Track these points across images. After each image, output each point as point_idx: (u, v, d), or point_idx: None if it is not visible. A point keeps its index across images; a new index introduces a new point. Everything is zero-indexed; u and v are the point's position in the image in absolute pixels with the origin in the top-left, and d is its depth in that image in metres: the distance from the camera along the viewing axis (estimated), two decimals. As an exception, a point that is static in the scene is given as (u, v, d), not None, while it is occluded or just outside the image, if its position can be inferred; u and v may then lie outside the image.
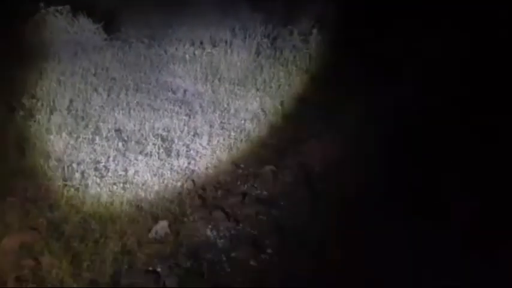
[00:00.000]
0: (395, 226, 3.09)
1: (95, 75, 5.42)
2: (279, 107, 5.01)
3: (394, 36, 5.85)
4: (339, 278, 2.70)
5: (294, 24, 6.77)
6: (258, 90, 5.37)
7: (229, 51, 6.14)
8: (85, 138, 4.05)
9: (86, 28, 6.41)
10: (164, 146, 4.06)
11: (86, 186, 3.47)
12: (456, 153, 3.93)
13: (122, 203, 3.30)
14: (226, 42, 6.40)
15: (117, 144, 4.01)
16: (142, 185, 3.53)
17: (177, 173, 3.73)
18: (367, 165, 3.92)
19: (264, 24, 6.76)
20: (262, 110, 4.93)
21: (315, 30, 6.22)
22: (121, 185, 3.49)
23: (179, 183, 3.60)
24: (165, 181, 3.60)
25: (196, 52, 6.32)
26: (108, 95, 5.03)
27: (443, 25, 5.63)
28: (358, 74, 5.51)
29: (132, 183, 3.53)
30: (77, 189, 3.41)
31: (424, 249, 2.93)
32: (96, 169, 3.66)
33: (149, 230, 3.07)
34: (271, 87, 5.48)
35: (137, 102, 4.93)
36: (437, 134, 4.19)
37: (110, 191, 3.42)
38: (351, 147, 4.32)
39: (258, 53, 6.15)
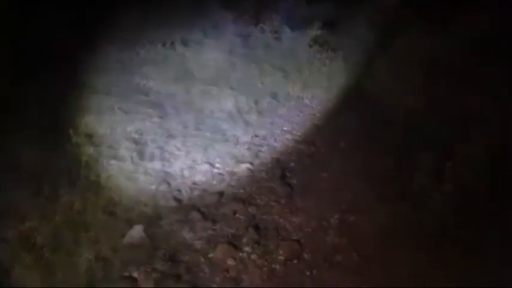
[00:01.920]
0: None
1: (63, 80, 5.27)
2: (253, 105, 4.99)
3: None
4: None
5: (266, 22, 6.76)
6: (231, 89, 5.34)
7: (200, 51, 6.10)
8: (55, 146, 3.93)
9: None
10: (137, 149, 3.99)
11: (57, 195, 3.37)
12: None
13: (95, 209, 3.22)
14: (198, 42, 6.35)
15: (89, 150, 3.92)
16: (116, 190, 3.46)
17: (151, 176, 3.67)
18: (340, 160, 3.95)
19: (236, 23, 6.72)
20: (237, 108, 4.91)
21: (285, 28, 6.22)
22: (93, 191, 3.40)
23: (154, 186, 3.54)
24: (139, 185, 3.54)
25: (168, 53, 6.24)
26: (78, 100, 4.91)
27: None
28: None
29: (105, 188, 3.45)
30: (48, 199, 3.31)
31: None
32: (67, 177, 3.56)
33: (124, 236, 3.00)
34: (245, 85, 5.46)
35: (108, 106, 4.82)
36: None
37: (82, 198, 3.33)
38: (325, 141, 4.36)
39: (230, 52, 6.11)
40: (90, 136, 4.18)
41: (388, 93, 4.36)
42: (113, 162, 3.77)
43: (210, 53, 6.10)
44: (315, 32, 6.21)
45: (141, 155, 3.92)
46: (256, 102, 5.06)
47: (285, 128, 4.65)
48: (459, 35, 4.28)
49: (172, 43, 6.63)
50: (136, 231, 3.02)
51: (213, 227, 3.13)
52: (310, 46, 6.08)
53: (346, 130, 4.53)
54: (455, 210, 2.78)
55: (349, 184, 3.64)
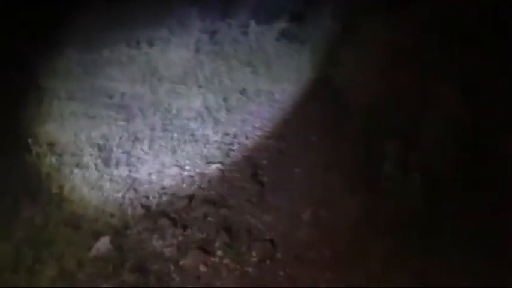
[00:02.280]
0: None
1: (21, 86, 5.04)
2: (222, 102, 4.89)
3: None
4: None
5: (233, 16, 6.64)
6: (200, 87, 5.21)
7: (167, 49, 5.94)
8: (13, 157, 3.74)
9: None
10: (102, 155, 3.84)
11: (17, 210, 3.20)
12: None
13: (57, 224, 3.07)
14: (164, 40, 6.18)
15: (50, 160, 3.74)
16: (80, 201, 3.31)
17: (118, 183, 3.53)
18: (310, 153, 3.91)
19: (203, 19, 6.58)
20: (206, 107, 4.80)
21: (252, 22, 6.11)
22: (55, 204, 3.24)
23: (120, 194, 3.41)
24: (105, 193, 3.40)
25: (132, 53, 6.05)
26: (38, 107, 4.70)
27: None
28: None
29: (67, 200, 3.30)
30: (7, 215, 3.14)
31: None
32: (27, 191, 3.38)
33: (90, 249, 2.87)
34: (213, 83, 5.34)
35: (71, 112, 4.64)
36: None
37: (43, 212, 3.17)
38: (296, 135, 4.31)
39: (197, 49, 5.97)
40: (51, 145, 4.00)
41: (354, 84, 4.34)
42: (76, 171, 3.62)
43: (177, 51, 5.95)
44: (282, 25, 6.13)
45: (106, 161, 3.77)
46: (225, 100, 4.95)
47: (255, 125, 4.56)
48: (418, 19, 4.30)
49: (137, 42, 6.44)
50: (103, 243, 2.90)
51: (184, 233, 3.04)
52: (278, 40, 6.00)
53: (316, 123, 4.47)
54: (423, 199, 2.77)
55: (319, 177, 3.59)
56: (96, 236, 2.98)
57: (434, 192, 2.80)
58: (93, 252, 2.85)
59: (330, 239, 2.91)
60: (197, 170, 3.74)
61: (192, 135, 4.25)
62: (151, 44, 6.22)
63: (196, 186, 3.53)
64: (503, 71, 3.61)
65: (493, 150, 3.03)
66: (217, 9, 6.89)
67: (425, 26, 4.17)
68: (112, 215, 3.18)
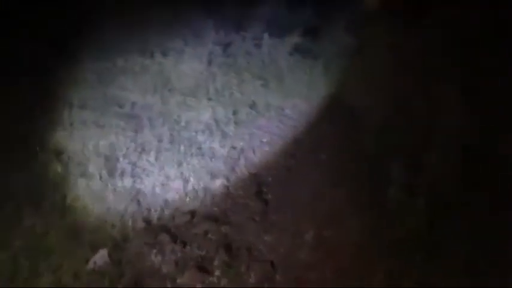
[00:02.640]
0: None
1: (35, 95, 5.11)
2: (232, 116, 4.86)
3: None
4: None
5: (247, 29, 6.64)
6: (210, 99, 5.20)
7: (180, 60, 5.95)
8: (21, 164, 3.77)
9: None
10: (108, 165, 3.83)
11: (20, 218, 3.20)
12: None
13: (58, 233, 3.05)
14: (177, 51, 6.21)
15: (56, 168, 3.75)
16: (82, 211, 3.29)
17: (121, 194, 3.51)
18: (318, 172, 3.83)
19: (216, 31, 6.59)
20: (215, 120, 4.77)
21: (266, 35, 6.10)
22: (57, 213, 3.23)
23: (122, 206, 3.38)
24: (107, 204, 3.38)
25: (145, 63, 6.09)
26: (50, 115, 4.75)
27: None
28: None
29: (70, 210, 3.29)
30: (9, 223, 3.14)
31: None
32: (31, 199, 3.39)
33: (87, 261, 2.84)
34: (223, 95, 5.32)
35: (81, 121, 4.67)
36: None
37: (45, 221, 3.16)
38: (305, 153, 4.24)
39: (210, 61, 5.98)
40: (59, 153, 4.02)
41: (363, 101, 4.27)
42: (80, 180, 3.61)
43: (190, 62, 5.96)
44: (296, 39, 6.10)
45: (111, 171, 3.76)
46: (234, 113, 4.92)
47: (264, 140, 4.51)
48: (432, 34, 4.23)
49: (151, 52, 6.49)
50: (101, 256, 2.86)
51: (183, 249, 2.98)
52: (291, 54, 5.96)
53: (326, 141, 4.40)
54: (429, 222, 2.67)
55: (326, 197, 3.51)
56: (95, 247, 2.95)
57: (439, 218, 2.70)
58: (91, 265, 2.82)
59: (332, 261, 2.82)
60: (201, 185, 3.69)
61: (199, 148, 4.22)
62: (164, 54, 6.25)
63: (199, 202, 3.48)
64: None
65: (497, 175, 2.92)
66: (232, 22, 6.91)
67: (437, 41, 4.09)
68: (113, 227, 3.16)
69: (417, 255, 2.64)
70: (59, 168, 3.74)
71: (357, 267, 2.74)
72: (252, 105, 5.14)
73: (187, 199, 3.52)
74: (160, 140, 4.29)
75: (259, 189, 3.67)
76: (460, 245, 2.54)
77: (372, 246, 2.84)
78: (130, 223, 3.20)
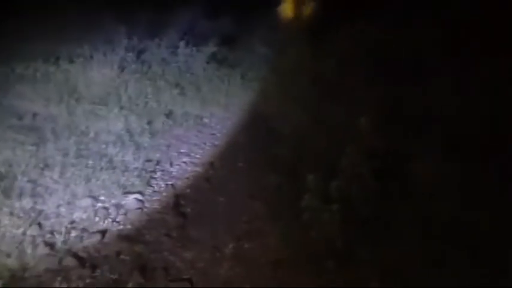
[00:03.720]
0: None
1: None
2: (146, 126, 4.65)
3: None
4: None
5: (161, 36, 6.46)
6: (122, 108, 4.94)
7: (88, 67, 5.59)
8: None
9: None
10: (3, 185, 3.40)
11: None
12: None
13: None
14: (85, 57, 5.82)
15: None
16: (-31, 239, 2.88)
17: (19, 217, 3.14)
18: (237, 181, 3.82)
19: (129, 37, 6.31)
20: (127, 130, 4.52)
21: (182, 43, 5.98)
22: None
23: (21, 230, 3.02)
24: (2, 230, 2.99)
25: (50, 69, 5.63)
26: None
27: None
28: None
29: (-46, 239, 2.85)
30: None
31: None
32: None
33: (-25, 298, 2.47)
34: (137, 104, 5.09)
35: (-30, 134, 4.13)
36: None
37: None
38: (224, 162, 4.20)
39: (122, 68, 5.70)
40: None
41: (280, 112, 4.37)
42: (-32, 203, 3.16)
43: (100, 69, 5.62)
44: (212, 48, 6.08)
45: (7, 192, 3.35)
46: (149, 123, 4.73)
47: (182, 150, 4.39)
48: (342, 46, 4.50)
49: (56, 58, 6.02)
50: (-7, 290, 2.51)
51: (92, 274, 2.73)
52: (208, 62, 5.93)
53: (243, 149, 4.43)
54: (342, 230, 2.78)
55: (245, 207, 3.50)
56: (-14, 281, 2.58)
57: (352, 223, 2.82)
58: (-20, 302, 2.45)
59: (250, 276, 2.79)
60: (113, 201, 3.45)
61: (110, 161, 3.95)
62: (71, 60, 5.83)
63: (110, 220, 3.25)
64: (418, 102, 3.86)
65: (405, 177, 3.15)
66: (146, 28, 6.69)
67: (346, 55, 4.36)
68: (8, 256, 2.79)
69: (330, 264, 2.71)
70: None
71: (274, 282, 2.74)
72: (169, 114, 4.99)
73: (97, 218, 3.27)
74: (65, 154, 3.94)
75: (176, 202, 3.54)
76: (371, 253, 2.67)
77: (289, 258, 2.86)
78: (29, 249, 2.86)
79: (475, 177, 2.99)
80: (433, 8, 5.30)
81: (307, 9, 7.45)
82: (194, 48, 6.04)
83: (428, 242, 2.73)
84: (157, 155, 4.22)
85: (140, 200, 3.51)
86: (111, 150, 4.11)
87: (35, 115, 4.66)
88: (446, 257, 2.65)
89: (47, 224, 3.13)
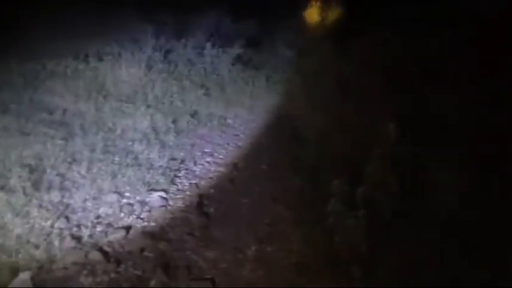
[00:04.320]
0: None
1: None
2: (172, 124, 4.70)
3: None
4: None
5: (188, 37, 6.52)
6: (148, 107, 5.01)
7: (117, 65, 5.69)
8: None
9: None
10: (33, 178, 3.49)
11: None
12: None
13: (-30, 255, 2.70)
14: (114, 55, 5.92)
15: (-29, 180, 3.35)
16: (1, 229, 2.95)
17: (47, 209, 3.20)
18: (260, 183, 3.81)
19: (156, 37, 6.40)
20: (153, 128, 4.58)
21: (208, 44, 6.02)
22: (-28, 232, 2.87)
23: (49, 222, 3.09)
24: (31, 221, 3.06)
25: (79, 67, 5.76)
26: (-35, 120, 4.27)
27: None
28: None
29: (-15, 228, 2.94)
30: None
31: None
32: None
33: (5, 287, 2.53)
34: (163, 103, 5.16)
35: (3, 127, 4.25)
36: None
37: (-45, 241, 2.79)
38: (247, 163, 4.20)
39: (149, 67, 5.78)
40: (-25, 163, 3.61)
41: (303, 114, 4.35)
42: (0, 194, 3.24)
43: (127, 67, 5.71)
44: (238, 49, 6.10)
45: (36, 184, 3.43)
46: (174, 122, 4.77)
47: (206, 150, 4.42)
48: (367, 53, 4.46)
49: (86, 56, 6.14)
50: (22, 280, 2.57)
51: (117, 269, 2.77)
52: (233, 64, 5.95)
53: (267, 151, 4.42)
54: (367, 235, 2.74)
55: (267, 209, 3.49)
56: (16, 271, 2.65)
57: (378, 230, 2.78)
58: (9, 291, 2.52)
59: (272, 279, 2.78)
60: (137, 198, 3.50)
61: (136, 158, 4.01)
62: (100, 58, 5.94)
63: (134, 216, 3.29)
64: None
65: (428, 184, 3.10)
66: (173, 29, 6.76)
67: (368, 59, 4.32)
68: (37, 247, 2.86)
69: (354, 270, 2.68)
70: (-25, 181, 3.34)
71: (298, 285, 2.72)
72: (194, 114, 5.03)
73: (122, 214, 3.31)
74: (92, 150, 4.01)
75: (200, 201, 3.56)
76: (395, 259, 2.63)
77: (312, 261, 2.84)
78: (57, 242, 2.92)
79: (494, 187, 2.94)
80: (460, 13, 5.21)
81: (333, 14, 7.42)
82: (220, 50, 6.07)
83: (448, 246, 2.68)
84: (182, 154, 4.26)
85: (164, 198, 3.54)
86: (137, 147, 4.17)
87: (64, 110, 4.77)
88: (468, 262, 2.60)
89: (74, 218, 3.19)
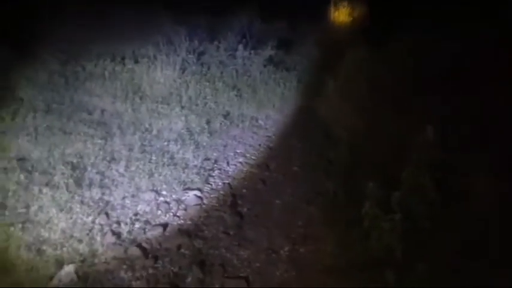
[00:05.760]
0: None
1: (-1, 96, 4.85)
2: (205, 125, 4.79)
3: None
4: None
5: (220, 39, 6.60)
6: (183, 108, 5.13)
7: (152, 67, 5.84)
8: (-21, 172, 3.53)
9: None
10: (75, 175, 3.65)
11: (-23, 230, 2.98)
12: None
13: (19, 247, 2.86)
14: (149, 57, 6.08)
15: (19, 176, 3.54)
16: (46, 223, 3.11)
17: (89, 206, 3.35)
18: (293, 184, 3.84)
19: (190, 39, 6.51)
20: (187, 129, 4.69)
21: (240, 46, 6.09)
22: (20, 225, 3.04)
23: (90, 218, 3.23)
24: (74, 216, 3.21)
25: (116, 68, 5.94)
26: (12, 119, 4.50)
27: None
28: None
29: (33, 222, 3.10)
30: (-35, 235, 2.92)
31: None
32: (-10, 208, 3.17)
33: (51, 279, 2.67)
34: (197, 104, 5.26)
35: (47, 126, 4.46)
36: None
37: (5, 233, 2.96)
38: (279, 164, 4.23)
39: (183, 69, 5.91)
40: (22, 160, 3.81)
41: (335, 116, 4.34)
42: (45, 190, 3.42)
43: (162, 69, 5.85)
44: (269, 51, 6.14)
45: (78, 181, 3.59)
46: (208, 123, 4.87)
47: (238, 151, 4.49)
48: (396, 57, 4.40)
49: (122, 58, 6.33)
50: (67, 273, 2.70)
51: (155, 265, 2.87)
52: (265, 66, 5.99)
53: (299, 152, 4.44)
54: (402, 240, 2.71)
55: (301, 211, 3.51)
56: (60, 263, 2.79)
57: (414, 234, 2.75)
58: (55, 281, 2.65)
59: (305, 280, 2.80)
60: (174, 196, 3.60)
61: (171, 158, 4.12)
62: (136, 60, 6.11)
63: (171, 214, 3.39)
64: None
65: (463, 191, 3.03)
66: (206, 31, 6.86)
67: (401, 61, 4.26)
68: (80, 241, 3.00)
69: (388, 274, 2.66)
70: (22, 177, 3.53)
71: (331, 285, 2.73)
72: (226, 115, 5.11)
73: (159, 212, 3.42)
74: (130, 149, 4.16)
75: (234, 201, 3.62)
76: (429, 266, 2.59)
77: (345, 264, 2.84)
78: (98, 237, 3.05)
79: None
80: (491, 16, 5.04)
81: (361, 15, 7.36)
82: (252, 52, 6.12)
83: (484, 254, 2.62)
84: (215, 154, 4.34)
85: (199, 197, 3.62)
86: (173, 147, 4.28)
87: (103, 111, 4.94)
88: (507, 271, 2.53)
89: (114, 215, 3.32)
